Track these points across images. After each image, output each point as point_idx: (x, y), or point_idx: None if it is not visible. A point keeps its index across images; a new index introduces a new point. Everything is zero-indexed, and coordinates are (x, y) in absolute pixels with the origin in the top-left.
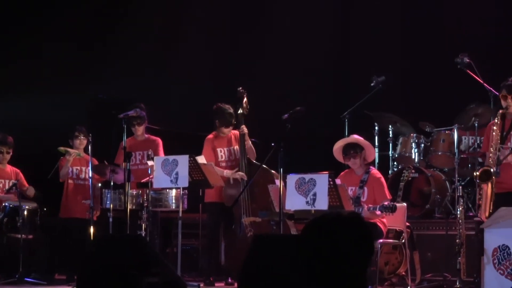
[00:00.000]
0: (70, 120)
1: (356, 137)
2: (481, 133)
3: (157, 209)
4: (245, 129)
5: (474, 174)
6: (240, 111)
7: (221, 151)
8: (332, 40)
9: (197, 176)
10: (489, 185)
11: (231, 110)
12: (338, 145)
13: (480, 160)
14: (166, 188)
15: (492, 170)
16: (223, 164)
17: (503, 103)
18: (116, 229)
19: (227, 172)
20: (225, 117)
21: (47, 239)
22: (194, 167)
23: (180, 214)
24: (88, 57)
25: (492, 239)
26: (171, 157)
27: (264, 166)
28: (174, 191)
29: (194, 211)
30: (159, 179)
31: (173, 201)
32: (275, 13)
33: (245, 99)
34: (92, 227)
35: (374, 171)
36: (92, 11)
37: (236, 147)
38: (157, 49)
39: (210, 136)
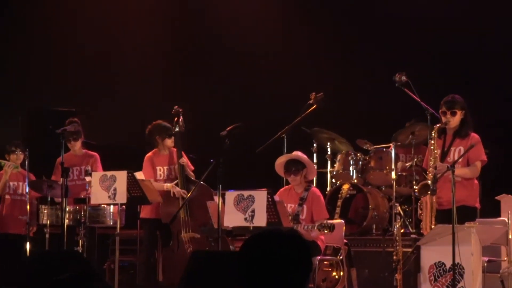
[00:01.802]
0: (5, 135)
1: (299, 154)
2: (418, 151)
3: (94, 225)
4: (183, 160)
5: (414, 187)
6: (176, 129)
7: (160, 170)
8: (270, 57)
9: (136, 192)
10: (429, 200)
11: (167, 124)
12: (281, 160)
13: (417, 177)
14: (104, 204)
15: (430, 185)
16: (162, 182)
17: (443, 119)
18: (53, 245)
19: (167, 185)
20: (166, 129)
21: None
22: (133, 183)
23: (118, 230)
24: (24, 70)
25: (429, 256)
26: (109, 173)
27: (202, 183)
28: (112, 207)
29: (132, 227)
30: (97, 195)
31: (111, 217)
32: (215, 29)
33: (181, 118)
34: (28, 243)
35: (314, 189)
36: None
37: (176, 165)
38: (94, 64)
39: (150, 154)
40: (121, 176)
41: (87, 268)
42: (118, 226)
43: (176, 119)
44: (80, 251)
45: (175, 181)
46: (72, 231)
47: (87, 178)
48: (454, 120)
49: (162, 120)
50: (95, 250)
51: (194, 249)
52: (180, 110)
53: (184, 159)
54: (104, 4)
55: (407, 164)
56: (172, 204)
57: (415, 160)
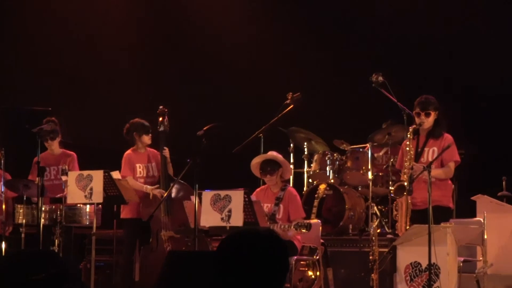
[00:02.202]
0: None
1: (274, 154)
2: (395, 151)
3: (71, 225)
4: (167, 152)
5: (390, 188)
6: (161, 128)
7: (139, 167)
8: (247, 56)
9: (112, 191)
10: (405, 201)
11: (145, 121)
12: (256, 161)
13: (393, 178)
14: (80, 204)
15: (406, 186)
16: (141, 180)
17: (417, 120)
18: (29, 245)
19: (146, 187)
20: (143, 126)
21: None
22: (109, 183)
23: (94, 230)
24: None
25: (405, 256)
26: (85, 172)
27: (182, 181)
28: (88, 206)
29: (108, 227)
30: (73, 195)
31: (87, 217)
32: (193, 30)
33: (166, 117)
34: (4, 242)
35: (290, 188)
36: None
37: (154, 164)
38: (70, 63)
39: (129, 151)
40: (98, 176)
41: (63, 268)
42: (95, 225)
43: (161, 118)
44: (56, 250)
45: (155, 186)
46: (48, 230)
47: (63, 178)
48: (428, 121)
49: (140, 119)
50: (71, 249)
51: (173, 248)
52: (166, 110)
53: (167, 153)
54: (80, 3)
55: (383, 165)
56: (153, 203)
57: (392, 160)
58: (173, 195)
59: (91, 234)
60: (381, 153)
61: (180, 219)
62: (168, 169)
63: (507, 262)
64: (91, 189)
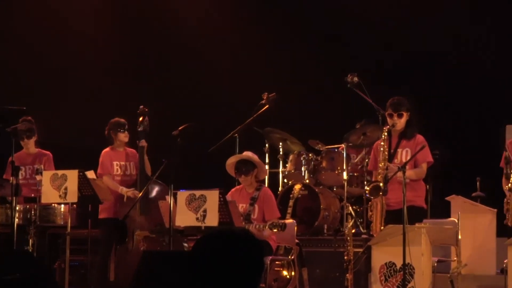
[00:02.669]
0: None
1: (249, 155)
2: (370, 151)
3: (45, 224)
4: (144, 142)
5: (365, 188)
6: (141, 128)
7: (117, 165)
8: (222, 57)
9: (87, 191)
10: (379, 202)
11: (123, 120)
12: (231, 161)
13: (368, 178)
14: (54, 203)
15: (381, 186)
16: (118, 178)
17: (389, 121)
18: (3, 245)
19: (122, 189)
20: (119, 124)
21: None
22: (84, 182)
23: (69, 230)
24: None
25: (379, 256)
26: (60, 172)
27: (159, 181)
28: (62, 206)
29: (83, 227)
30: (48, 194)
31: (62, 216)
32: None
33: (146, 117)
34: None
35: (265, 189)
36: None
37: (132, 163)
38: (45, 62)
39: (107, 149)
40: (72, 175)
41: (38, 267)
42: (69, 225)
43: (141, 118)
44: (31, 250)
45: (132, 189)
46: (23, 230)
47: (38, 177)
48: (401, 122)
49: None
50: (45, 249)
51: (148, 248)
52: (146, 109)
53: (144, 142)
54: (55, 3)
55: (358, 165)
56: (129, 203)
57: (367, 161)
58: (149, 194)
59: (66, 234)
60: (358, 157)
61: (156, 218)
62: (146, 167)
63: (481, 262)
64: (65, 188)
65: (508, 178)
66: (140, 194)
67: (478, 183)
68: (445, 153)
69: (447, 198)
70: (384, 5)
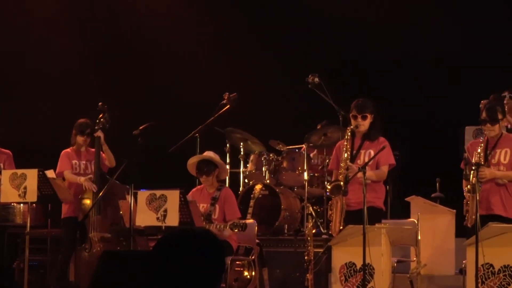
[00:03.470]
0: None
1: (211, 155)
2: (330, 152)
3: (4, 224)
4: (100, 133)
5: (326, 187)
6: (99, 126)
7: (75, 163)
8: (183, 56)
9: (46, 190)
10: (339, 202)
11: (87, 121)
12: (193, 161)
13: (329, 178)
14: (14, 203)
15: (342, 186)
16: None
17: (353, 123)
18: None
19: (80, 179)
20: (79, 126)
21: None
22: (43, 182)
23: (28, 229)
24: None
25: (340, 257)
26: (19, 171)
27: (116, 181)
28: (22, 205)
29: (42, 226)
30: (7, 193)
31: (21, 216)
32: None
33: (105, 114)
34: None
35: (226, 189)
36: None
37: (92, 162)
38: (7, 56)
39: (67, 149)
40: (32, 175)
41: None
42: (28, 225)
43: (101, 115)
44: None
45: (89, 176)
46: None
47: None
48: (365, 124)
49: (86, 119)
50: (4, 249)
51: (104, 249)
52: (105, 106)
53: (100, 133)
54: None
55: (319, 165)
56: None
57: (327, 161)
58: (104, 193)
59: (25, 233)
60: (314, 152)
61: (111, 218)
62: (108, 157)
63: (440, 263)
64: (25, 188)
65: (467, 180)
66: (100, 195)
67: (437, 184)
68: (405, 154)
69: (407, 199)
70: (345, 5)
